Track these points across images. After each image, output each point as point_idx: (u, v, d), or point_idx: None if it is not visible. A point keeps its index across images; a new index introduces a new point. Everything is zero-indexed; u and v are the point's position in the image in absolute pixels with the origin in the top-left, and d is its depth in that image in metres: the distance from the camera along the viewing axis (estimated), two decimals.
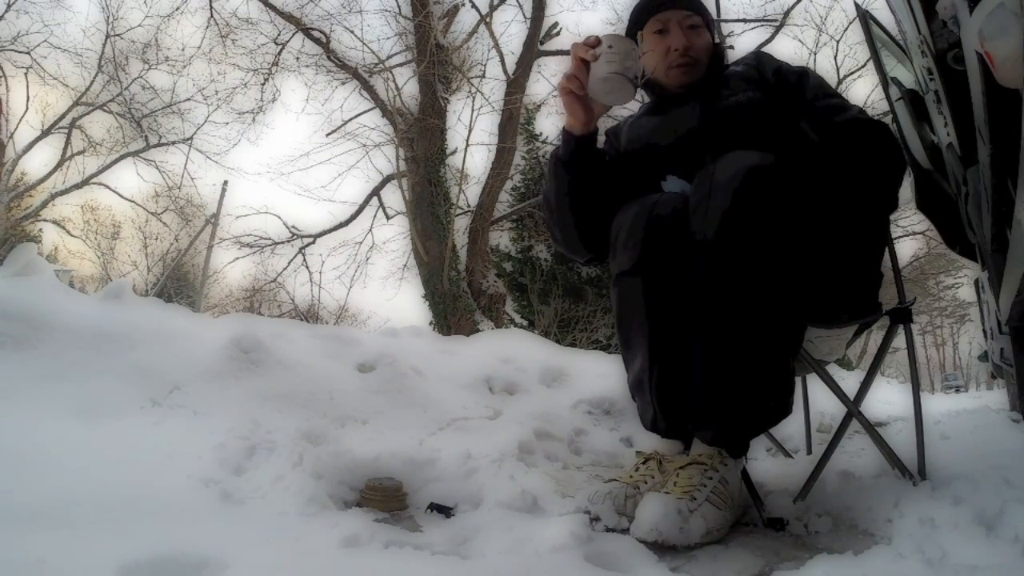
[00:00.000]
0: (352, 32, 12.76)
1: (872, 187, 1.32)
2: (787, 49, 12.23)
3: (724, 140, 1.31)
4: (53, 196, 14.62)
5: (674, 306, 1.24)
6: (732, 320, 1.18)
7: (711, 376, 1.19)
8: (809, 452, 2.03)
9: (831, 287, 1.30)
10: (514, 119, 9.77)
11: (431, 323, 8.97)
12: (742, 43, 10.33)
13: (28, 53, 12.85)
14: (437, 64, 8.90)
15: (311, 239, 11.30)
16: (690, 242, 1.22)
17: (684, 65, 1.46)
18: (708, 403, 1.20)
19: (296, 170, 15.03)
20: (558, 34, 10.53)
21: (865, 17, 2.06)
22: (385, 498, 1.33)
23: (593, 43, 1.28)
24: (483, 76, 9.89)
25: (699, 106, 1.44)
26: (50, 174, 14.59)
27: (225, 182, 15.60)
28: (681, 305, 1.23)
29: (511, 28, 15.90)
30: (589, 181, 1.40)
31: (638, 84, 1.27)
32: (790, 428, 2.14)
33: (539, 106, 12.23)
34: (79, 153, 14.46)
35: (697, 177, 1.26)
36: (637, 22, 1.52)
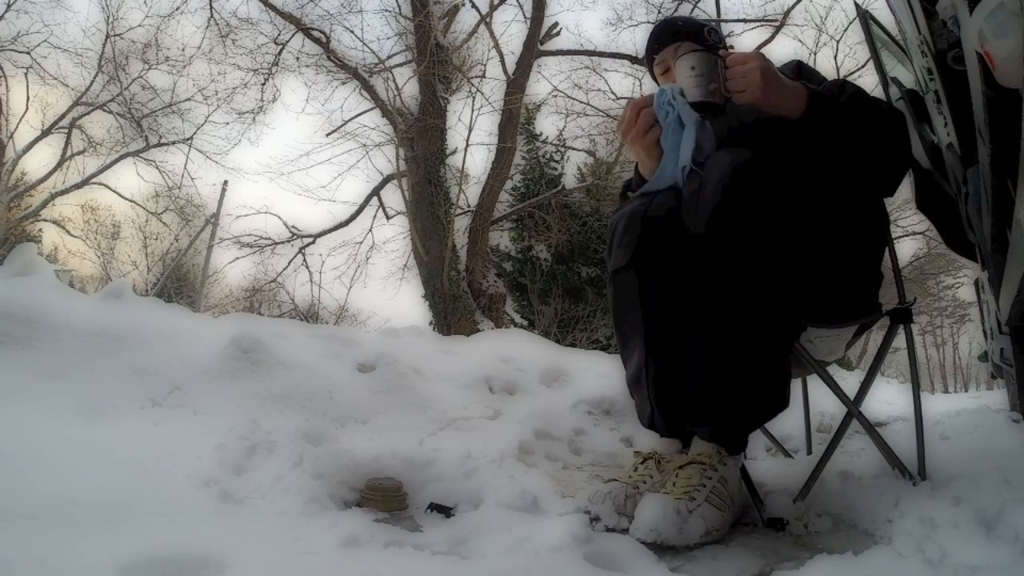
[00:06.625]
0: (352, 32, 12.88)
1: (873, 146, 1.30)
2: (787, 49, 12.20)
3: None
4: (53, 196, 14.61)
5: (670, 302, 1.25)
6: (727, 314, 1.19)
7: (711, 371, 1.20)
8: (809, 452, 2.03)
9: (832, 287, 1.31)
10: (514, 119, 9.78)
11: (431, 323, 8.98)
12: (742, 43, 10.31)
13: (28, 53, 12.85)
14: (437, 64, 8.90)
15: (311, 239, 11.32)
16: (684, 237, 1.23)
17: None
18: (706, 398, 1.20)
19: (296, 170, 15.05)
20: (558, 34, 10.55)
21: (865, 17, 2.06)
22: (385, 498, 1.33)
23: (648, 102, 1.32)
24: (483, 76, 9.91)
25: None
26: (50, 174, 14.59)
27: (225, 182, 15.57)
28: (677, 301, 1.24)
29: (511, 28, 15.88)
30: None
31: (724, 102, 1.28)
32: (790, 428, 2.14)
33: (539, 106, 12.25)
34: (79, 153, 14.47)
35: (688, 174, 1.27)
36: (650, 70, 1.60)
